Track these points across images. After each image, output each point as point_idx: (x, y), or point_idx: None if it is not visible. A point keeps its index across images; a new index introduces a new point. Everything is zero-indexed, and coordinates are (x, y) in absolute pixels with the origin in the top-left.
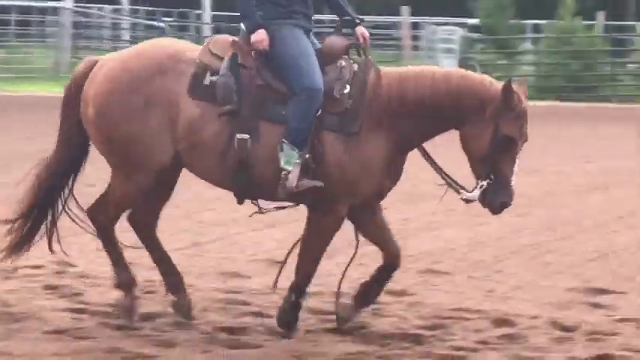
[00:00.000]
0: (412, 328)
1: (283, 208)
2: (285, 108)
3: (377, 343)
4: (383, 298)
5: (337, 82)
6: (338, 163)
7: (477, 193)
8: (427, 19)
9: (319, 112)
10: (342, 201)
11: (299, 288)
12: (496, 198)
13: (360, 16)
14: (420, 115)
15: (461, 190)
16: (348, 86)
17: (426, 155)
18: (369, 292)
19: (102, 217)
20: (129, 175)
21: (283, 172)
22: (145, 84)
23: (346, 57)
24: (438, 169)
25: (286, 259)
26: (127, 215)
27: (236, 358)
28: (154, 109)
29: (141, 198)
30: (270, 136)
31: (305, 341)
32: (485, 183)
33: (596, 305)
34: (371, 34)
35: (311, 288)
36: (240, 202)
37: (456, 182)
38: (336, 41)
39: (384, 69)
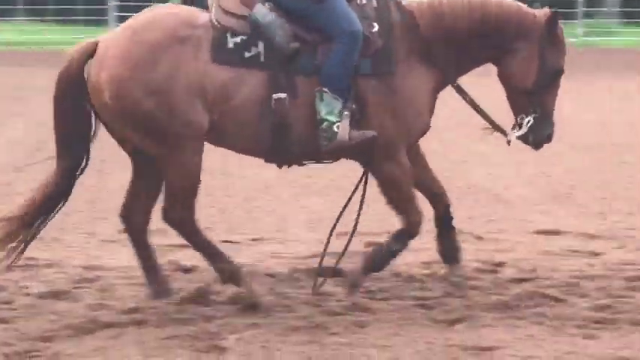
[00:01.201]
0: None
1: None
2: (315, 58)
3: None
4: None
5: (364, 20)
6: (383, 107)
7: (524, 129)
8: None
9: None
10: (398, 146)
11: (402, 237)
12: (542, 132)
13: None
14: (457, 46)
15: (508, 131)
16: (375, 24)
17: (463, 95)
18: (448, 246)
19: (176, 215)
20: (174, 156)
21: (325, 124)
22: (166, 56)
23: None
24: (480, 110)
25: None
26: (120, 212)
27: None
28: (180, 80)
29: (199, 177)
30: (306, 91)
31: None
32: (531, 118)
33: None
34: None
35: None
36: (280, 166)
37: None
38: None
39: (412, 2)
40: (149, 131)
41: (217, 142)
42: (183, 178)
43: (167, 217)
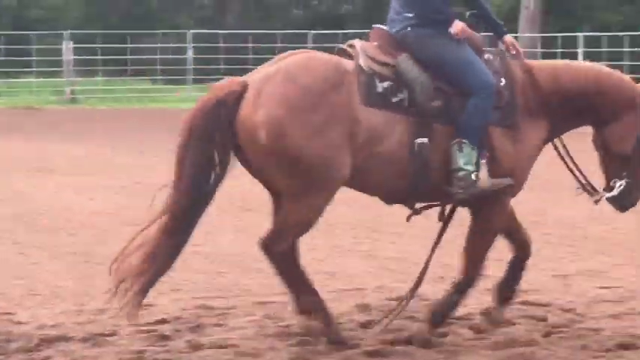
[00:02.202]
0: None
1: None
2: (454, 108)
3: None
4: None
5: (495, 74)
6: (507, 157)
7: (615, 192)
8: None
9: None
10: (510, 194)
11: (465, 287)
12: (632, 197)
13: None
14: (572, 109)
15: (600, 192)
16: (503, 79)
17: (563, 152)
18: (507, 288)
19: (275, 247)
20: (310, 197)
21: (462, 173)
22: (322, 100)
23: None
24: (576, 169)
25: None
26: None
27: None
28: (335, 125)
29: (318, 220)
30: (443, 139)
31: None
32: (624, 182)
33: None
34: None
35: None
36: (413, 209)
37: (590, 184)
38: (474, 35)
39: (531, 61)
40: (297, 172)
41: (357, 186)
42: (307, 219)
43: (270, 248)
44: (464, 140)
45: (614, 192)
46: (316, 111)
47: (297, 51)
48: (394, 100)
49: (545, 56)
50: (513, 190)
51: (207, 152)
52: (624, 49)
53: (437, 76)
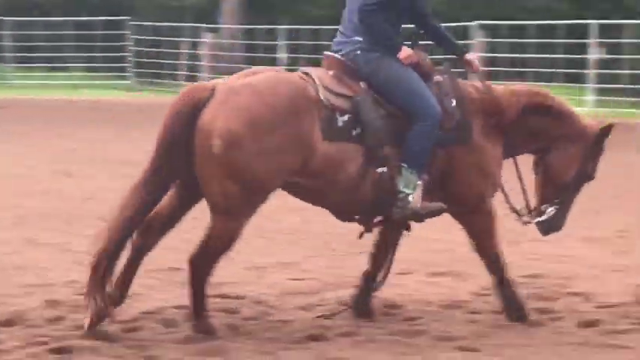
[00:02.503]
0: None
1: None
2: (402, 132)
3: None
4: None
5: (445, 98)
6: (466, 170)
7: (545, 217)
8: None
9: None
10: (484, 199)
11: (502, 281)
12: (558, 223)
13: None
14: (526, 132)
15: (528, 216)
16: (454, 100)
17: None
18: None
19: (205, 266)
20: (238, 216)
21: (401, 195)
22: (284, 124)
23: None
24: (506, 195)
25: None
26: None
27: None
28: (289, 150)
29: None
30: (394, 161)
31: None
32: (553, 209)
33: None
34: None
35: None
36: (366, 230)
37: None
38: (422, 59)
39: (486, 81)
40: (238, 187)
41: (303, 198)
42: (231, 232)
43: (198, 263)
44: (403, 164)
45: (544, 217)
46: (275, 132)
47: (268, 68)
48: (354, 133)
49: (248, 49)
50: (492, 191)
51: (167, 159)
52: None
53: (387, 100)
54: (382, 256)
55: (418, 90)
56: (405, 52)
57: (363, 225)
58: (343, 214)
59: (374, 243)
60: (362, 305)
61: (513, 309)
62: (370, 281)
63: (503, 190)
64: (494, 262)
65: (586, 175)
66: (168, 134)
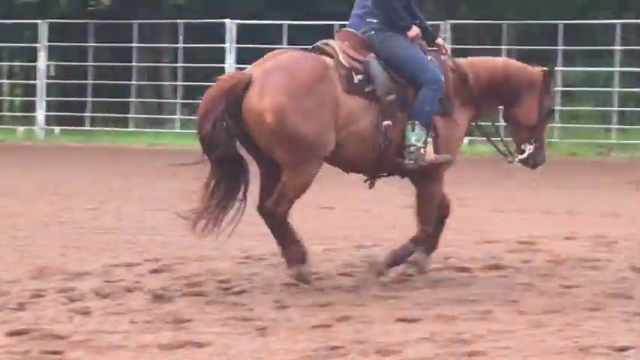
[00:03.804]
0: None
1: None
2: (408, 98)
3: None
4: None
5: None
6: (445, 139)
7: (526, 155)
8: None
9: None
10: (445, 168)
11: (419, 240)
12: (540, 157)
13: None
14: (490, 95)
15: (514, 155)
16: (442, 76)
17: (480, 128)
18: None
19: (279, 209)
20: (306, 167)
21: (412, 148)
22: (314, 88)
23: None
24: (491, 140)
25: None
26: (257, 207)
27: None
28: (324, 108)
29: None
30: (402, 122)
31: None
32: (532, 147)
33: None
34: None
35: None
36: (373, 182)
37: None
38: (420, 40)
39: (455, 59)
40: (296, 147)
41: (335, 162)
42: (302, 184)
43: (268, 210)
44: (416, 122)
45: (525, 155)
46: (309, 97)
47: (286, 49)
48: (366, 90)
49: None
50: (450, 165)
51: (222, 125)
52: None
53: (395, 71)
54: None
55: (424, 61)
56: (415, 30)
57: (370, 175)
58: (357, 166)
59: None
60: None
61: (399, 256)
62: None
63: (490, 141)
64: (428, 223)
65: (547, 110)
66: (216, 113)
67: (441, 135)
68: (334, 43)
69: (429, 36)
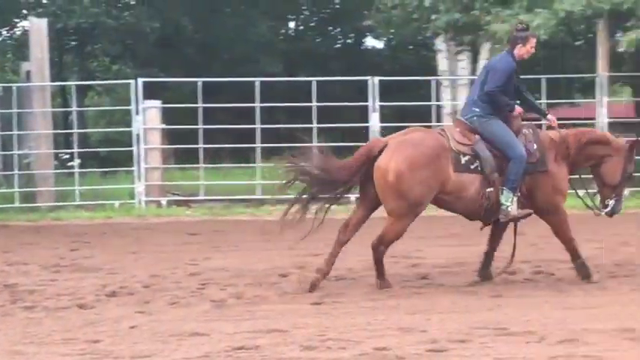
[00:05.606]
0: None
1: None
2: (502, 167)
3: None
4: None
5: (529, 143)
6: (545, 188)
7: (609, 209)
8: None
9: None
10: (557, 204)
11: (575, 255)
12: (618, 208)
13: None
14: (581, 156)
15: (601, 209)
16: (535, 144)
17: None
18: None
19: (380, 248)
20: (406, 220)
21: (503, 206)
22: (432, 163)
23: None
24: (581, 198)
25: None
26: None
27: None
28: (435, 179)
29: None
30: (499, 186)
31: None
32: (613, 201)
33: None
34: None
35: None
36: (485, 225)
37: (595, 205)
38: (517, 121)
39: (562, 130)
40: (404, 202)
41: (444, 207)
42: (401, 229)
43: (373, 246)
44: (504, 188)
45: (609, 209)
46: (426, 169)
47: (417, 128)
48: (472, 167)
49: None
50: (563, 199)
51: (355, 174)
52: None
53: (493, 147)
54: (495, 243)
55: (512, 140)
56: (518, 109)
57: (482, 222)
58: (469, 216)
59: (489, 235)
60: (484, 272)
61: (584, 272)
62: (488, 257)
63: (579, 196)
64: (568, 244)
65: (628, 174)
66: (360, 165)
67: (538, 187)
68: (448, 131)
69: (541, 113)
